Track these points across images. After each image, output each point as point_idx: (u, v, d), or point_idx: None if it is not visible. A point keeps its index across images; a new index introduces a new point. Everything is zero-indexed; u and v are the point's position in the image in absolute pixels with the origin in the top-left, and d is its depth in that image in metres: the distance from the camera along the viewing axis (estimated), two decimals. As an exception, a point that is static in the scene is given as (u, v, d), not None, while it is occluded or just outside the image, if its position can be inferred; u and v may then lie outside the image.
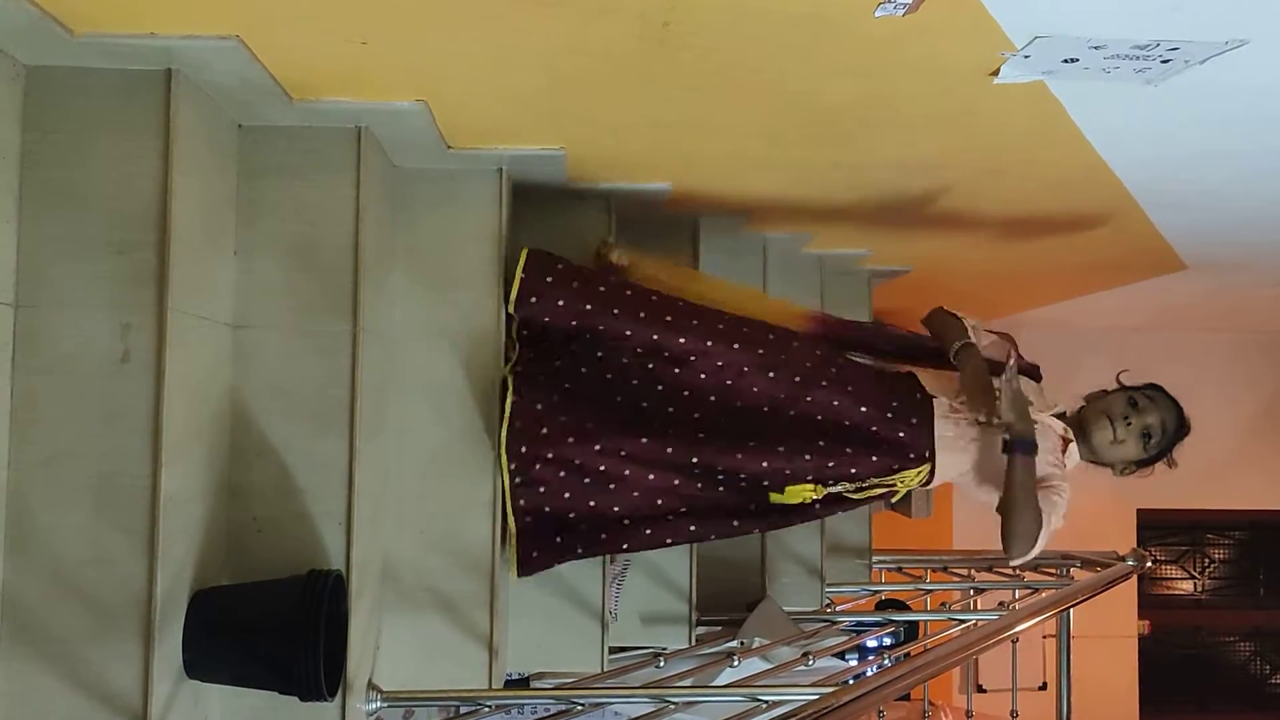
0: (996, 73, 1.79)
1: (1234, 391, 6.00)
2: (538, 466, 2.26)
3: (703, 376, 2.36)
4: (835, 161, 2.47)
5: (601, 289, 2.36)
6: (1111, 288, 4.40)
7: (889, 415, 2.35)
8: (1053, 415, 2.42)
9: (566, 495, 2.31)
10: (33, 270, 1.70)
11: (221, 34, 1.65)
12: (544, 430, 2.26)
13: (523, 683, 3.09)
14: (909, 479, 2.38)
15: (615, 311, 2.35)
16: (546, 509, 2.30)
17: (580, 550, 2.37)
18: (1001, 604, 3.53)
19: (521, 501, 2.27)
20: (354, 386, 2.00)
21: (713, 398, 2.36)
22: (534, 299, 2.33)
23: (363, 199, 2.04)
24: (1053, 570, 3.79)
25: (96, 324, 1.70)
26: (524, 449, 2.24)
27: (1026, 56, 1.71)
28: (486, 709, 2.25)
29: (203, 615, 1.78)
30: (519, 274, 2.32)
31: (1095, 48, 1.66)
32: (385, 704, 2.13)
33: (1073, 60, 1.71)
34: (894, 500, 2.47)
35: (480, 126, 2.19)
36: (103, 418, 1.69)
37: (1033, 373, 2.49)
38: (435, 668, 2.27)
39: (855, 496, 2.38)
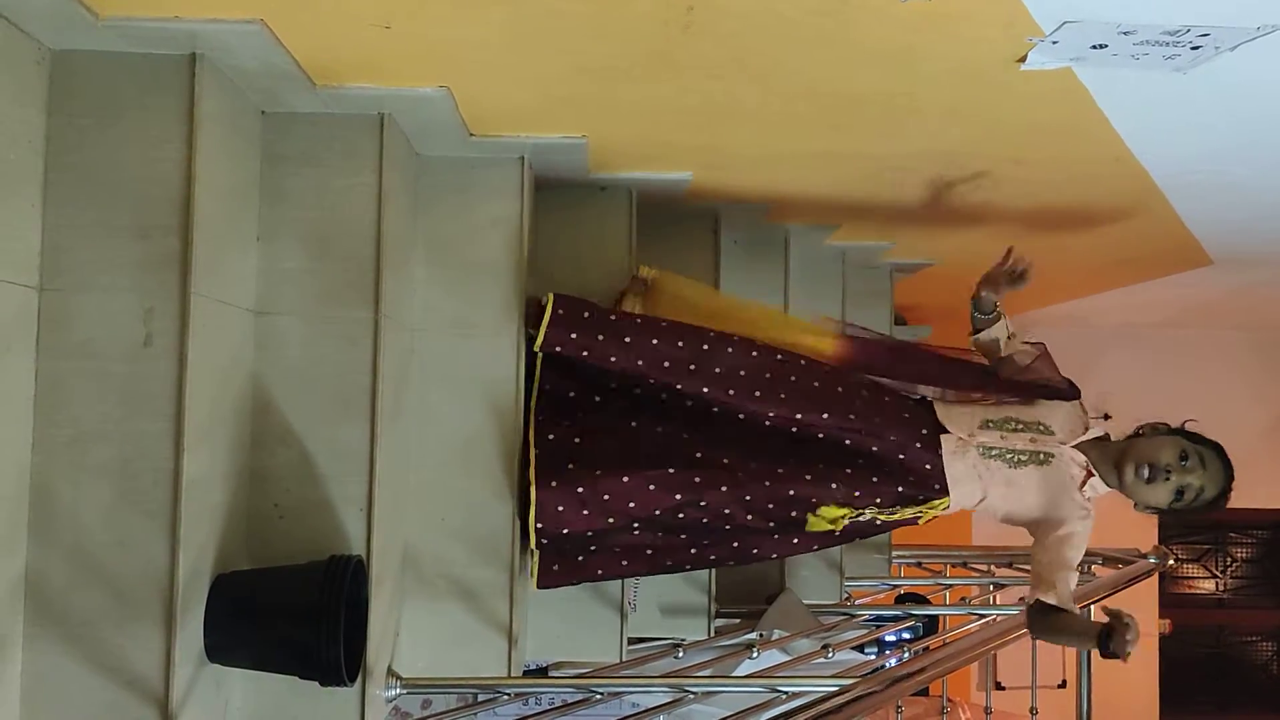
0: (1024, 60, 1.77)
1: (1258, 389, 5.95)
2: (560, 509, 2.26)
3: (716, 410, 2.36)
4: (859, 152, 2.46)
5: (627, 340, 2.34)
6: (1136, 283, 4.36)
7: (918, 444, 2.35)
8: (1091, 437, 2.39)
9: (589, 541, 2.32)
10: (57, 254, 1.70)
11: (245, 18, 1.65)
12: (570, 465, 2.27)
13: (541, 673, 3.09)
14: (937, 507, 2.38)
15: (639, 363, 2.34)
16: (565, 531, 2.30)
17: (601, 572, 2.38)
18: (1021, 599, 3.49)
19: (540, 525, 2.27)
20: (375, 373, 1.99)
21: (741, 419, 2.37)
22: (559, 347, 2.33)
23: (385, 186, 2.04)
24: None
25: (120, 308, 1.71)
26: (553, 484, 2.25)
27: (1055, 43, 1.69)
28: (505, 697, 2.25)
29: (224, 599, 1.79)
30: (544, 327, 2.31)
31: (1125, 33, 1.64)
32: (404, 690, 2.13)
33: (1101, 46, 1.69)
34: (920, 523, 2.47)
35: (503, 113, 2.19)
36: (125, 401, 1.69)
37: (1069, 391, 2.46)
38: (455, 656, 2.27)
39: (882, 521, 2.39)
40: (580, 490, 2.25)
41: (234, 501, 1.91)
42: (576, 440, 2.31)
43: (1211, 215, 3.04)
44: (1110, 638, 2.17)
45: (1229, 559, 6.75)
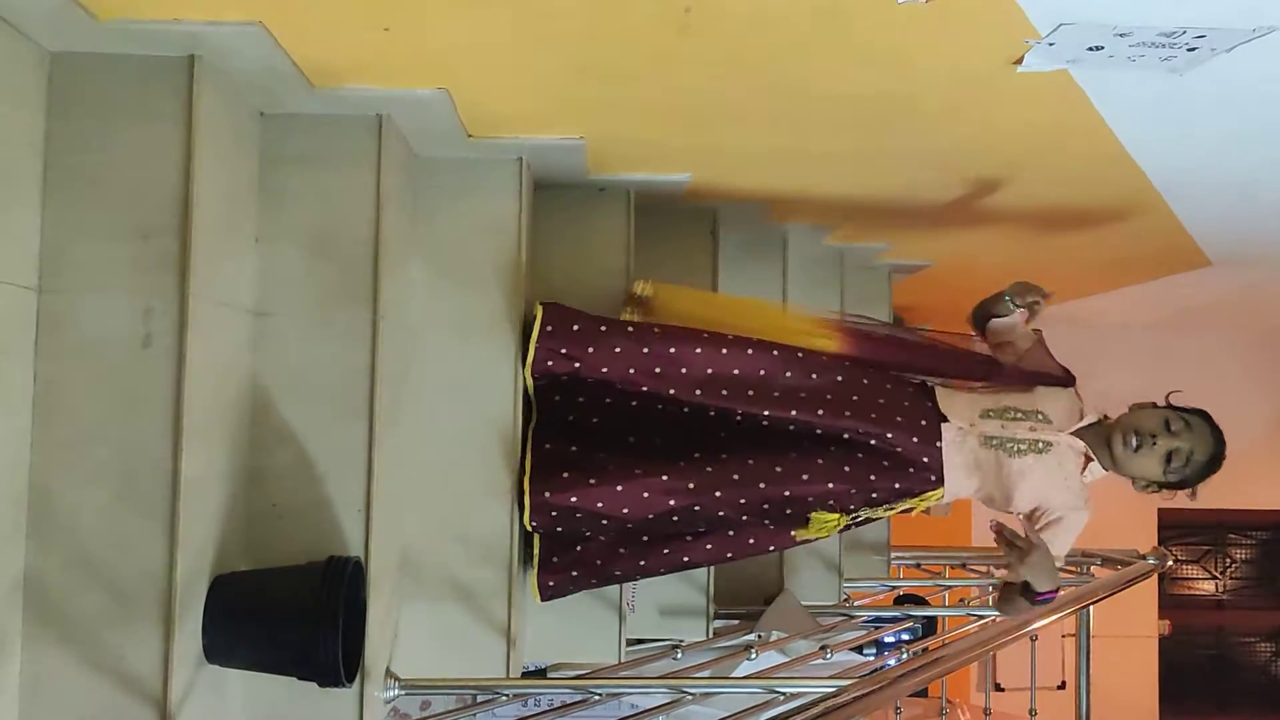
0: (1020, 61, 1.77)
1: (1258, 390, 5.95)
2: (554, 514, 2.29)
3: (724, 412, 2.38)
4: (856, 152, 2.46)
5: (617, 350, 2.35)
6: (1134, 284, 4.37)
7: (915, 439, 2.36)
8: (1084, 425, 2.41)
9: (585, 532, 2.35)
10: (56, 255, 1.71)
11: (245, 20, 1.66)
12: (564, 474, 2.28)
13: (539, 674, 3.09)
14: (930, 498, 2.42)
15: (631, 371, 2.35)
16: (560, 530, 2.34)
17: (599, 563, 2.39)
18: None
19: (535, 523, 2.30)
20: (374, 374, 2.00)
21: (737, 420, 2.38)
22: (550, 362, 2.34)
23: (383, 188, 2.04)
24: (1072, 568, 3.77)
25: (119, 309, 1.71)
26: (546, 494, 2.27)
27: (1051, 44, 1.69)
28: (504, 698, 2.26)
29: (222, 600, 1.79)
30: (534, 343, 2.32)
31: (1121, 35, 1.65)
32: (403, 691, 2.13)
33: (1098, 48, 1.70)
34: (911, 514, 2.51)
35: (501, 115, 2.19)
36: (124, 402, 1.70)
37: (1065, 378, 2.48)
38: (453, 657, 2.27)
39: (876, 517, 2.42)
40: (574, 499, 2.27)
41: (232, 502, 1.91)
42: (573, 449, 2.32)
43: (1209, 217, 3.04)
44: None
45: (1228, 560, 6.75)
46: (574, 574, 2.39)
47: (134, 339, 1.70)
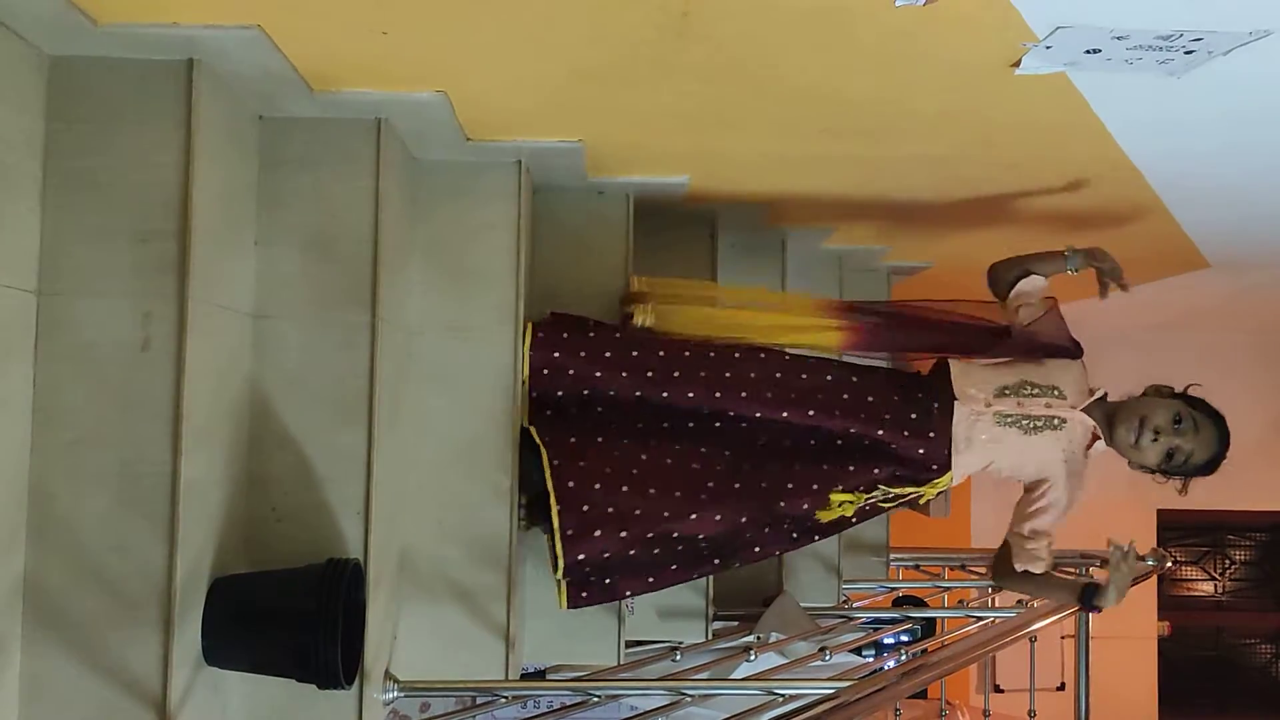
0: (1018, 64, 1.78)
1: (1256, 392, 5.94)
2: (597, 533, 2.29)
3: (717, 425, 2.41)
4: (854, 156, 2.46)
5: (608, 354, 2.39)
6: (1133, 285, 4.36)
7: (906, 433, 2.39)
8: (1093, 401, 2.42)
9: (627, 558, 2.35)
10: (56, 258, 1.71)
11: (243, 24, 1.66)
12: (596, 533, 2.28)
13: (538, 676, 3.09)
14: (939, 485, 2.44)
15: (624, 375, 2.38)
16: (597, 558, 2.33)
17: (629, 593, 2.43)
18: (1020, 602, 3.51)
19: (579, 554, 2.29)
20: (373, 377, 2.00)
21: (735, 435, 2.41)
22: (545, 370, 2.37)
23: (382, 191, 2.04)
24: (1072, 569, 3.77)
25: (118, 312, 1.71)
26: (581, 556, 2.27)
27: (1048, 47, 1.70)
28: (503, 699, 2.26)
29: (222, 602, 1.79)
30: (526, 353, 2.35)
31: (1118, 38, 1.65)
32: (402, 693, 2.13)
33: (1095, 51, 1.70)
34: (920, 503, 2.52)
35: (499, 118, 2.19)
36: (124, 405, 1.70)
37: (1075, 350, 2.49)
38: (452, 659, 2.28)
39: (885, 506, 2.45)
40: (607, 555, 2.29)
41: (231, 505, 1.92)
42: (596, 486, 2.31)
43: (1208, 219, 3.05)
44: (1095, 594, 2.39)
45: (1227, 561, 6.75)
46: (606, 582, 2.38)
47: (133, 342, 1.71)
